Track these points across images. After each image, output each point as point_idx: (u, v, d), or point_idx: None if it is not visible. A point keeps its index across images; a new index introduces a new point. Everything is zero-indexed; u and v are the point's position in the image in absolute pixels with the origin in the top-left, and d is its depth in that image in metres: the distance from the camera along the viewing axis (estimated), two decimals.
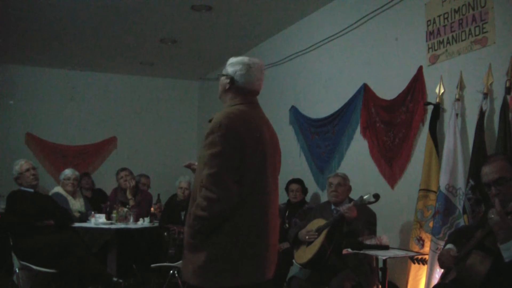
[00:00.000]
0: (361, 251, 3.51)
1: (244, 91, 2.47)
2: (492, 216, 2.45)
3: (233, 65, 2.49)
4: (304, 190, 5.23)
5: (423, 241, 3.71)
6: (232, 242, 2.28)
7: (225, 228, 2.28)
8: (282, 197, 5.26)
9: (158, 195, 6.03)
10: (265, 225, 2.37)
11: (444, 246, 2.95)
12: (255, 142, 2.34)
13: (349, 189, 4.13)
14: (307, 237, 3.89)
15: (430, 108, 3.86)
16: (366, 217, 3.82)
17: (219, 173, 2.24)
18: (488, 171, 2.68)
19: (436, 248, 3.42)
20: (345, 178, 4.12)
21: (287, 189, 5.21)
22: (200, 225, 2.26)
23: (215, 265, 2.27)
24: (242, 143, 2.30)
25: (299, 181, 5.22)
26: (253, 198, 2.33)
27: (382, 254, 3.43)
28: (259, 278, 2.35)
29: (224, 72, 2.51)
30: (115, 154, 8.38)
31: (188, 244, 2.36)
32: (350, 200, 3.97)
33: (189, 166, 2.71)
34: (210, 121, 2.43)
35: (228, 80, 2.48)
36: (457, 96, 3.58)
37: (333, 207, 4.09)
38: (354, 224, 3.68)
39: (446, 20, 3.78)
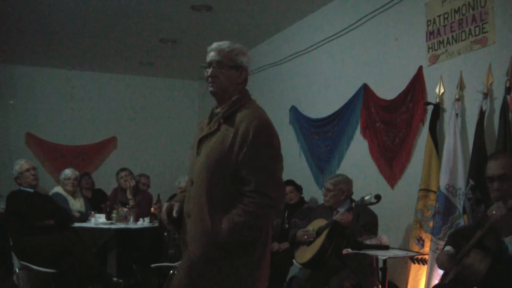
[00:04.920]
0: (361, 251, 3.51)
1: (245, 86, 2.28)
2: (494, 212, 2.46)
3: (243, 54, 2.23)
4: (298, 189, 5.21)
5: (423, 241, 3.71)
6: (266, 246, 2.19)
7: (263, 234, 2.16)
8: None
9: (158, 195, 6.03)
10: None
11: (444, 247, 2.95)
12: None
13: (343, 193, 3.96)
14: (305, 236, 3.89)
15: (430, 108, 3.86)
16: (366, 219, 3.80)
17: (277, 175, 2.12)
18: (493, 166, 2.70)
19: (436, 248, 3.43)
20: (338, 183, 3.96)
21: None
22: (255, 235, 2.09)
23: (255, 272, 2.14)
24: (279, 143, 2.19)
25: (290, 182, 5.17)
26: None
27: (382, 254, 3.43)
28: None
29: (238, 62, 2.21)
30: (115, 154, 8.37)
31: (219, 259, 2.09)
32: (352, 201, 3.95)
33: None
34: (224, 121, 2.17)
35: (244, 76, 2.22)
36: (457, 96, 3.58)
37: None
38: (350, 229, 3.67)
39: (446, 20, 3.78)
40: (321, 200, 5.19)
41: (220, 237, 2.06)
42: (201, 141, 2.21)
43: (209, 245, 2.09)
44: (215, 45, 2.24)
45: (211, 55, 2.22)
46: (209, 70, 2.20)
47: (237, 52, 2.22)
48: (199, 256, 2.11)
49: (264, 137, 2.10)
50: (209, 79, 2.20)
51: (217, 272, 2.09)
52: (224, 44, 2.23)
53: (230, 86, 2.20)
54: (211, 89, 2.21)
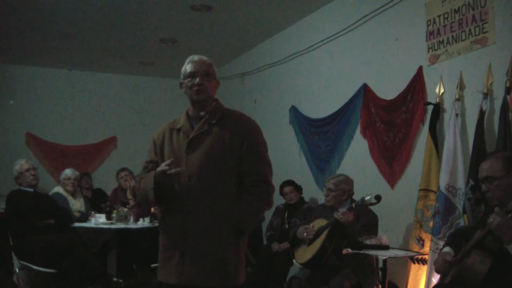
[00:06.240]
0: (361, 251, 3.51)
1: None
2: (492, 220, 2.45)
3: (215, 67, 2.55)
4: (298, 189, 5.21)
5: (423, 241, 3.71)
6: None
7: None
8: (280, 200, 5.26)
9: None
10: None
11: (443, 247, 2.94)
12: None
13: (344, 193, 3.97)
14: (305, 233, 3.87)
15: (430, 108, 3.86)
16: (366, 219, 3.80)
17: (271, 165, 2.47)
18: (482, 168, 2.71)
19: (436, 248, 3.43)
20: (339, 183, 3.97)
21: (281, 193, 5.18)
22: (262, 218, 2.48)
23: (245, 250, 2.53)
24: None
25: (290, 183, 5.19)
26: None
27: (382, 254, 3.43)
28: None
29: (216, 73, 2.52)
30: (115, 154, 8.36)
31: (236, 244, 2.41)
32: (353, 201, 3.94)
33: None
34: (215, 122, 2.43)
35: (218, 85, 2.56)
36: (457, 96, 3.59)
37: None
38: (350, 228, 3.66)
39: (446, 20, 3.78)
40: (321, 200, 5.19)
41: (239, 224, 2.35)
42: (191, 141, 2.40)
43: (228, 231, 2.34)
44: (197, 57, 2.46)
45: (196, 66, 2.42)
46: (196, 79, 2.39)
47: (214, 65, 2.50)
48: (221, 243, 2.34)
49: (260, 134, 2.47)
50: (197, 87, 2.39)
51: (231, 254, 2.36)
52: (203, 57, 2.47)
53: (213, 94, 2.48)
54: (198, 96, 2.40)
